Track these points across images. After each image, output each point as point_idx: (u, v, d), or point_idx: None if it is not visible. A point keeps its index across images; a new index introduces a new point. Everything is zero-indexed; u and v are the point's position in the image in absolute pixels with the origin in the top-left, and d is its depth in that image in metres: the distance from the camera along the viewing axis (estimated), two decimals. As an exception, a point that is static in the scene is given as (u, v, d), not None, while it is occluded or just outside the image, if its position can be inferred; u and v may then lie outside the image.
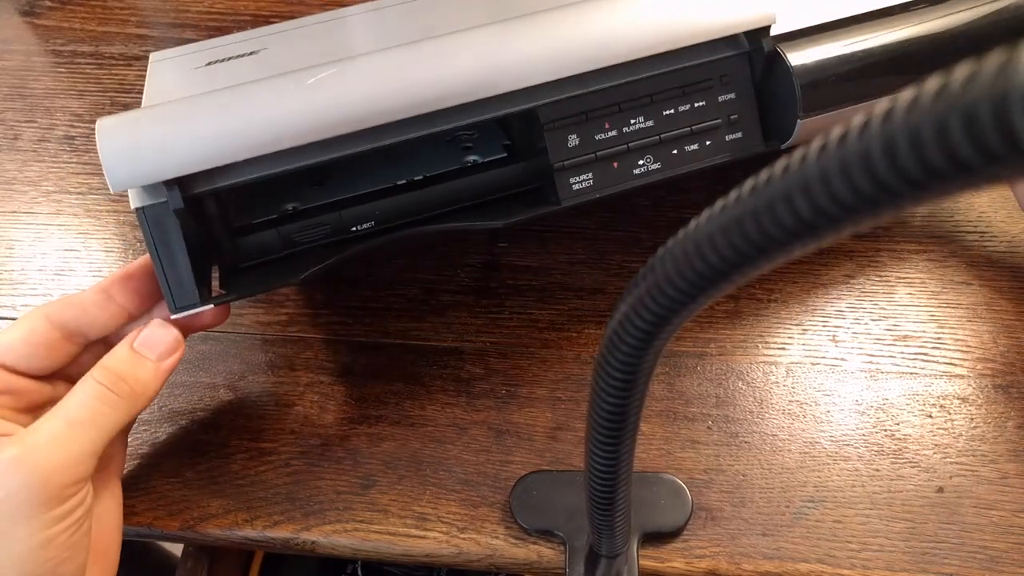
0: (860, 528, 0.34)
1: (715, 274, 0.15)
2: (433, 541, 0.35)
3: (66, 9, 0.59)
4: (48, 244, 0.46)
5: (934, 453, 0.36)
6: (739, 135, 0.35)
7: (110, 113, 0.40)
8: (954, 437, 0.37)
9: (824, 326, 0.40)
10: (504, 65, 0.32)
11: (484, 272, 0.43)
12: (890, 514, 0.35)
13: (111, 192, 0.30)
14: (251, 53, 0.40)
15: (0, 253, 0.45)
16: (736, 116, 0.35)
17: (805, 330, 0.40)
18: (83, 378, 0.31)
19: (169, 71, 0.40)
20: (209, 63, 0.40)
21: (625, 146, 0.34)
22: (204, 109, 0.30)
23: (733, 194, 0.14)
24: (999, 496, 0.35)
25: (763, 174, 0.13)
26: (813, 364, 0.39)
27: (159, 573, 0.72)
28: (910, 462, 0.36)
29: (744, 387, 0.39)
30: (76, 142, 0.51)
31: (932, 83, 0.10)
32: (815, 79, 0.35)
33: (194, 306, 0.32)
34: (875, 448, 0.36)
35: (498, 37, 0.32)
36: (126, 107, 0.52)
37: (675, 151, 0.35)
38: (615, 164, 0.34)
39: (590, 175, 0.34)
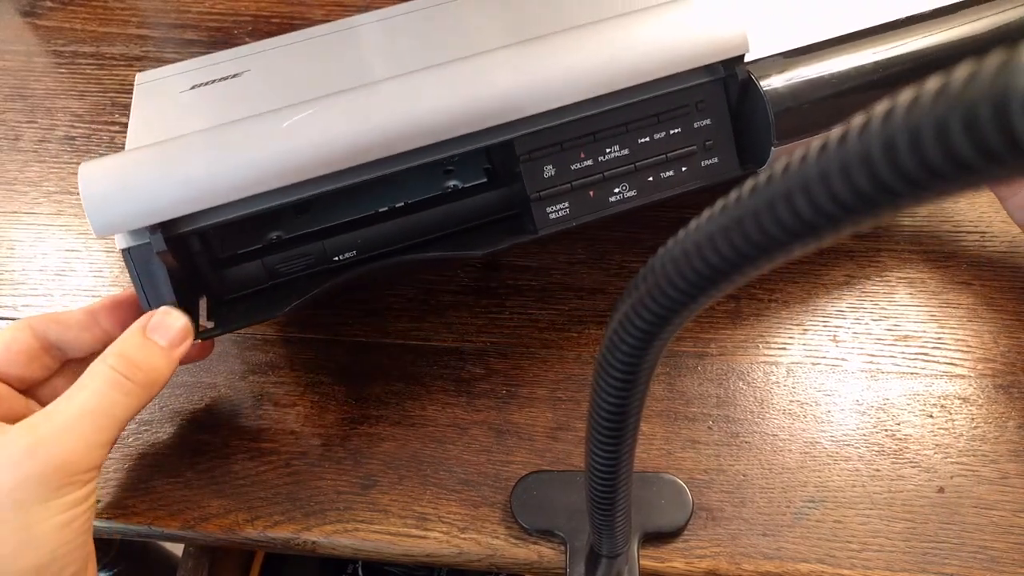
0: (860, 528, 0.34)
1: (715, 274, 0.15)
2: (433, 541, 0.35)
3: (67, 10, 0.59)
4: (49, 244, 0.46)
5: (935, 453, 0.36)
6: (715, 160, 0.35)
7: (108, 122, 0.40)
8: (955, 437, 0.37)
9: (825, 326, 0.40)
10: (479, 105, 0.32)
11: (484, 272, 0.43)
12: (890, 514, 0.35)
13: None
14: (234, 76, 0.40)
15: (1, 253, 0.46)
16: (712, 142, 0.35)
17: (806, 330, 0.40)
18: (95, 362, 0.31)
19: (154, 96, 0.41)
20: (193, 86, 0.40)
21: (601, 175, 0.34)
22: (183, 156, 0.31)
23: (733, 194, 0.14)
24: (1000, 496, 0.35)
25: (763, 174, 0.13)
26: (814, 364, 0.39)
27: (159, 573, 0.72)
28: (911, 462, 0.36)
29: (745, 387, 0.39)
30: (77, 142, 0.51)
31: (932, 83, 0.10)
32: (789, 105, 0.34)
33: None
34: (876, 448, 0.36)
35: (473, 75, 0.32)
36: (126, 107, 0.52)
37: (651, 178, 0.35)
38: (591, 193, 0.35)
39: (567, 204, 0.34)
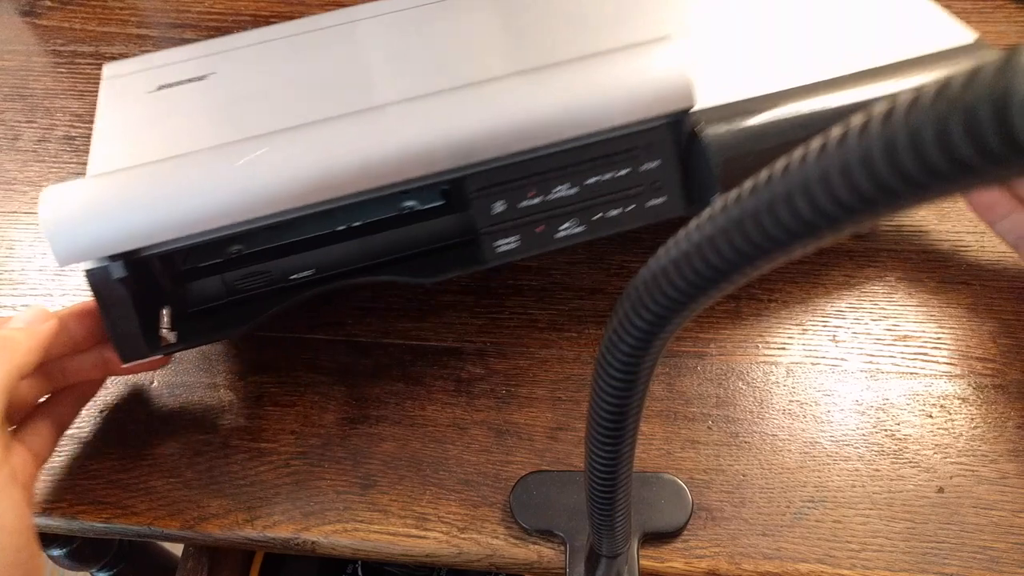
0: (860, 528, 0.34)
1: (715, 274, 0.15)
2: (433, 541, 0.35)
3: (66, 9, 0.59)
4: (48, 244, 0.46)
5: (934, 453, 0.36)
6: (662, 200, 0.36)
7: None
8: (954, 437, 0.37)
9: (824, 326, 0.40)
10: (429, 152, 0.33)
11: (484, 272, 0.43)
12: (890, 514, 0.35)
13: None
14: (200, 78, 0.41)
15: (0, 253, 0.45)
16: (659, 183, 0.36)
17: (805, 330, 0.40)
18: None
19: (119, 96, 0.42)
20: (160, 87, 0.41)
21: (549, 212, 0.35)
22: (141, 191, 0.32)
23: (733, 194, 0.14)
24: (999, 496, 0.35)
25: (763, 174, 0.13)
26: (813, 364, 0.39)
27: (159, 573, 0.72)
28: (910, 462, 0.36)
29: (744, 387, 0.39)
30: (76, 142, 0.51)
31: (932, 83, 0.10)
32: (732, 156, 0.35)
33: (142, 357, 0.34)
34: (875, 448, 0.36)
35: (424, 119, 0.33)
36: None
37: (597, 216, 0.36)
38: (539, 228, 0.35)
39: (516, 238, 0.35)
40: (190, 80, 0.41)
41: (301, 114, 0.37)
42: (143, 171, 0.32)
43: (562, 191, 0.35)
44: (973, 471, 0.36)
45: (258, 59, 0.43)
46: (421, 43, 0.42)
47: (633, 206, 0.36)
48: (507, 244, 0.35)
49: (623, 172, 0.35)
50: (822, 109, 0.36)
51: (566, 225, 0.35)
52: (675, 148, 0.35)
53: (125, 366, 0.35)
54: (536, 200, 0.35)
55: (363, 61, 0.42)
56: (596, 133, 0.34)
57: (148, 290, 0.34)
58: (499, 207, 0.34)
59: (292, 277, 0.36)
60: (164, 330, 0.34)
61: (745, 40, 0.40)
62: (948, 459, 0.36)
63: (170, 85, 0.41)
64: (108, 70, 0.44)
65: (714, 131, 0.35)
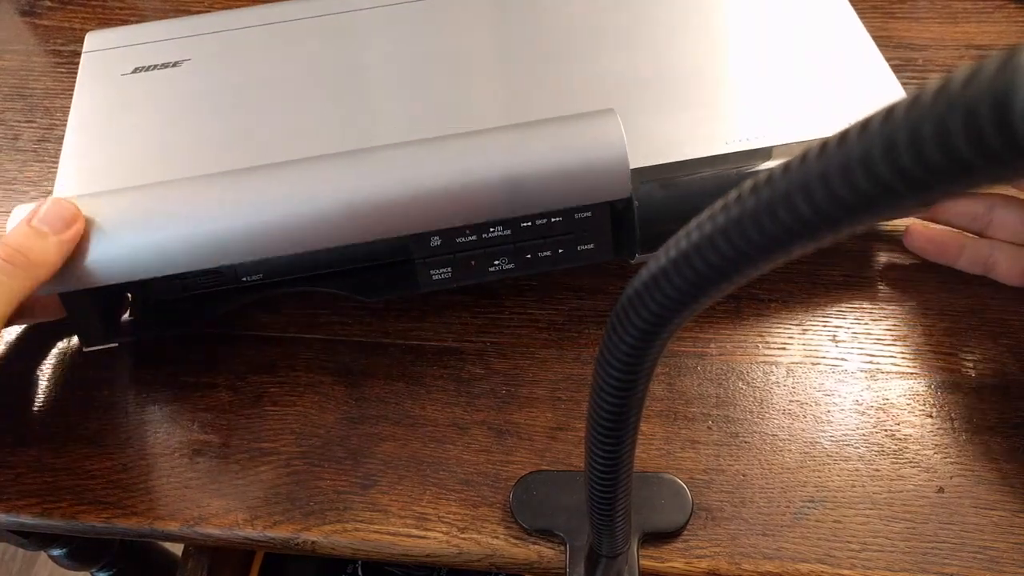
0: (860, 528, 0.34)
1: (715, 274, 0.15)
2: (433, 541, 0.35)
3: (66, 9, 0.59)
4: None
5: (934, 453, 0.36)
6: (591, 246, 0.38)
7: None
8: (954, 437, 0.37)
9: (824, 326, 0.40)
10: (374, 218, 0.35)
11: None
12: (890, 514, 0.35)
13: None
14: (175, 64, 0.43)
15: (0, 253, 0.45)
16: (589, 231, 0.37)
17: (805, 330, 0.40)
18: None
19: (97, 76, 0.44)
20: (136, 69, 0.43)
21: (483, 250, 0.37)
22: (114, 233, 0.34)
23: (733, 194, 0.14)
24: (1000, 496, 0.35)
25: (763, 174, 0.13)
26: (813, 364, 0.39)
27: (159, 573, 0.72)
28: (910, 462, 0.36)
29: (744, 387, 0.39)
30: (76, 142, 0.51)
31: (933, 83, 0.10)
32: (654, 219, 0.36)
33: (102, 344, 0.37)
34: (875, 448, 0.36)
35: (368, 190, 0.35)
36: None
37: (529, 256, 0.38)
38: (472, 263, 0.37)
39: (449, 269, 0.38)
40: (165, 65, 0.43)
41: (264, 121, 0.40)
42: (116, 210, 0.35)
43: (496, 232, 0.37)
44: (973, 471, 0.36)
45: (231, 49, 0.44)
46: (379, 57, 0.43)
47: (562, 250, 0.38)
48: (441, 274, 0.38)
49: (556, 219, 0.37)
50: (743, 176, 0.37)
51: (497, 262, 0.38)
52: (608, 204, 0.37)
53: (87, 350, 0.38)
54: (471, 238, 0.37)
55: (330, 58, 0.43)
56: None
57: (108, 286, 0.36)
58: (435, 240, 0.37)
59: (244, 279, 0.38)
60: (124, 319, 0.37)
61: (685, 98, 0.40)
62: (948, 459, 0.36)
63: (145, 69, 0.43)
64: (90, 41, 0.46)
65: (646, 194, 0.36)
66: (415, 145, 0.36)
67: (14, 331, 0.42)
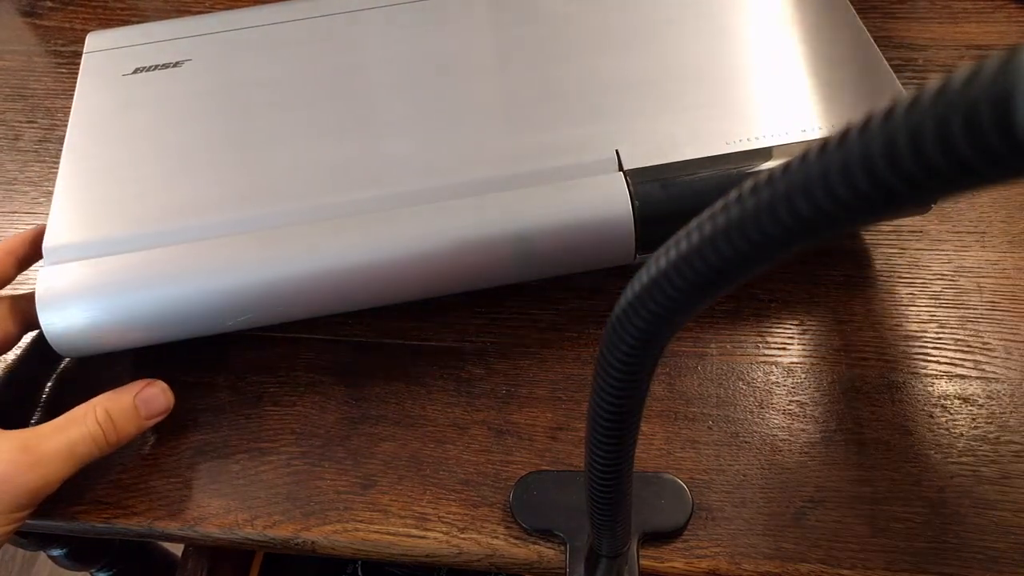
0: (860, 528, 0.34)
1: (715, 274, 0.15)
2: (433, 541, 0.35)
3: (67, 10, 0.59)
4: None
5: (934, 453, 0.36)
6: None
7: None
8: (955, 437, 0.37)
9: (824, 326, 0.40)
10: (386, 295, 0.38)
11: (484, 272, 0.43)
12: (890, 514, 0.35)
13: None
14: (176, 64, 0.44)
15: (0, 253, 0.45)
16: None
17: (805, 330, 0.40)
18: (87, 406, 0.34)
19: (98, 76, 0.44)
20: (136, 69, 0.44)
21: None
22: (126, 302, 0.36)
23: (733, 194, 0.14)
24: (1000, 496, 0.35)
25: (763, 174, 0.13)
26: (813, 364, 0.39)
27: (159, 573, 0.72)
28: (911, 462, 0.36)
29: (744, 387, 0.39)
30: (76, 142, 0.51)
31: (933, 83, 0.10)
32: (655, 220, 0.37)
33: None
34: (875, 447, 0.36)
35: (374, 261, 0.36)
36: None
37: None
38: None
39: None
40: (166, 66, 0.44)
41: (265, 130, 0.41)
42: (124, 272, 0.36)
43: None
44: (974, 471, 0.36)
45: (237, 48, 0.44)
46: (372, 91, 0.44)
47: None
48: None
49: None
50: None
51: None
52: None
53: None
54: None
55: (324, 74, 0.43)
56: None
57: None
58: None
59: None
60: None
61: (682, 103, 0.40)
62: (948, 459, 0.36)
63: (146, 69, 0.44)
64: (91, 41, 0.46)
65: (645, 191, 0.37)
66: (425, 219, 0.37)
67: (14, 331, 0.42)
